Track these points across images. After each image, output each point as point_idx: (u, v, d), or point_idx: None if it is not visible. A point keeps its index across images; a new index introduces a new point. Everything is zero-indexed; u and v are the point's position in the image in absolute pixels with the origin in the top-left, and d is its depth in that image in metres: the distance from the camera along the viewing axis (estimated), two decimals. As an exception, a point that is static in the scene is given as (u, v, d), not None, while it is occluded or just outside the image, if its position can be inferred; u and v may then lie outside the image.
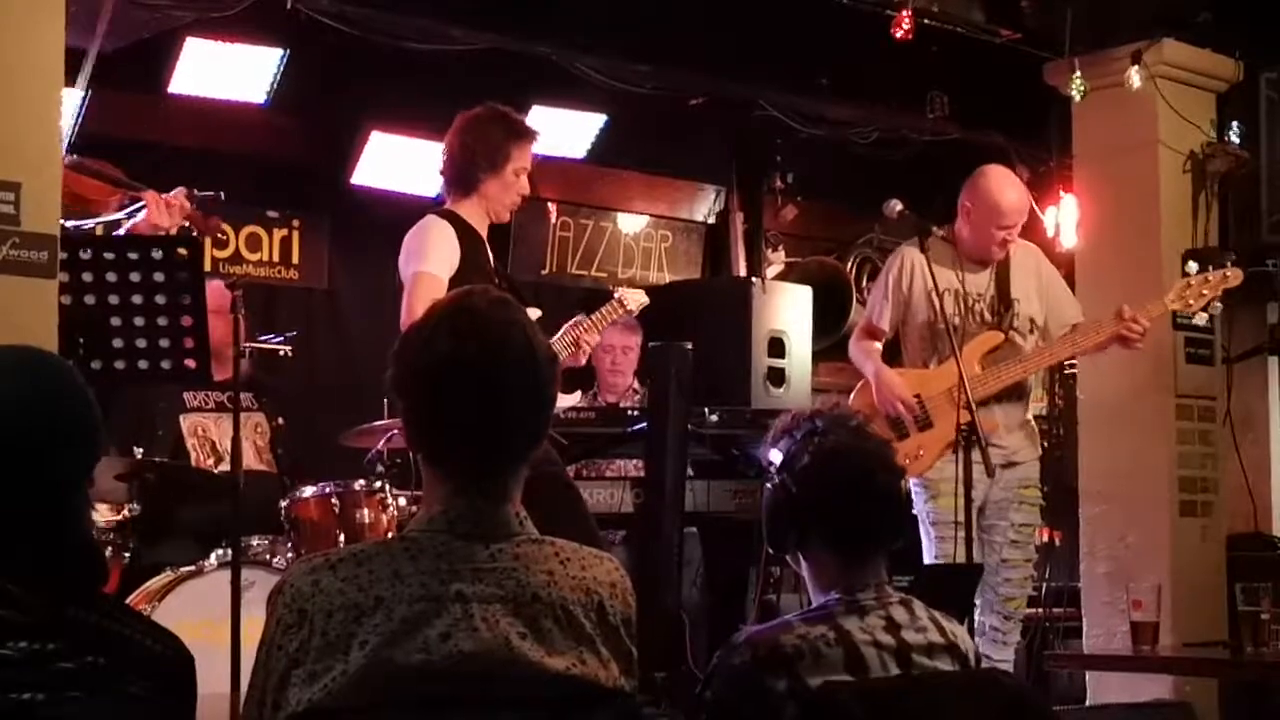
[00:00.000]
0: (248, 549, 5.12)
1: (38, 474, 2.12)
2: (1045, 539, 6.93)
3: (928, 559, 5.39)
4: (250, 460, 5.75)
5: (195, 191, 4.85)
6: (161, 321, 4.22)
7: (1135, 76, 6.50)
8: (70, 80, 5.39)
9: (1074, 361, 6.77)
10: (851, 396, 5.79)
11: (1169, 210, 6.67)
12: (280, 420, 6.09)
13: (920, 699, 2.51)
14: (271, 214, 7.39)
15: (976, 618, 5.36)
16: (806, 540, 2.67)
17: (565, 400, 5.61)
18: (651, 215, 8.73)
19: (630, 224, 8.64)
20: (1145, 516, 6.50)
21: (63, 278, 4.18)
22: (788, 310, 7.60)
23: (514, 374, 2.26)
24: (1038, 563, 5.83)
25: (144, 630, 2.18)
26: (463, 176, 4.89)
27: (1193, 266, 5.69)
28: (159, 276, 4.20)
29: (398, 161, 7.30)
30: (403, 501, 5.31)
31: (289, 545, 5.29)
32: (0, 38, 4.17)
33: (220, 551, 5.04)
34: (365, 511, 5.30)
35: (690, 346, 5.45)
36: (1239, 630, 4.82)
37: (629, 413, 5.98)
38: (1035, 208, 5.93)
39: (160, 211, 4.68)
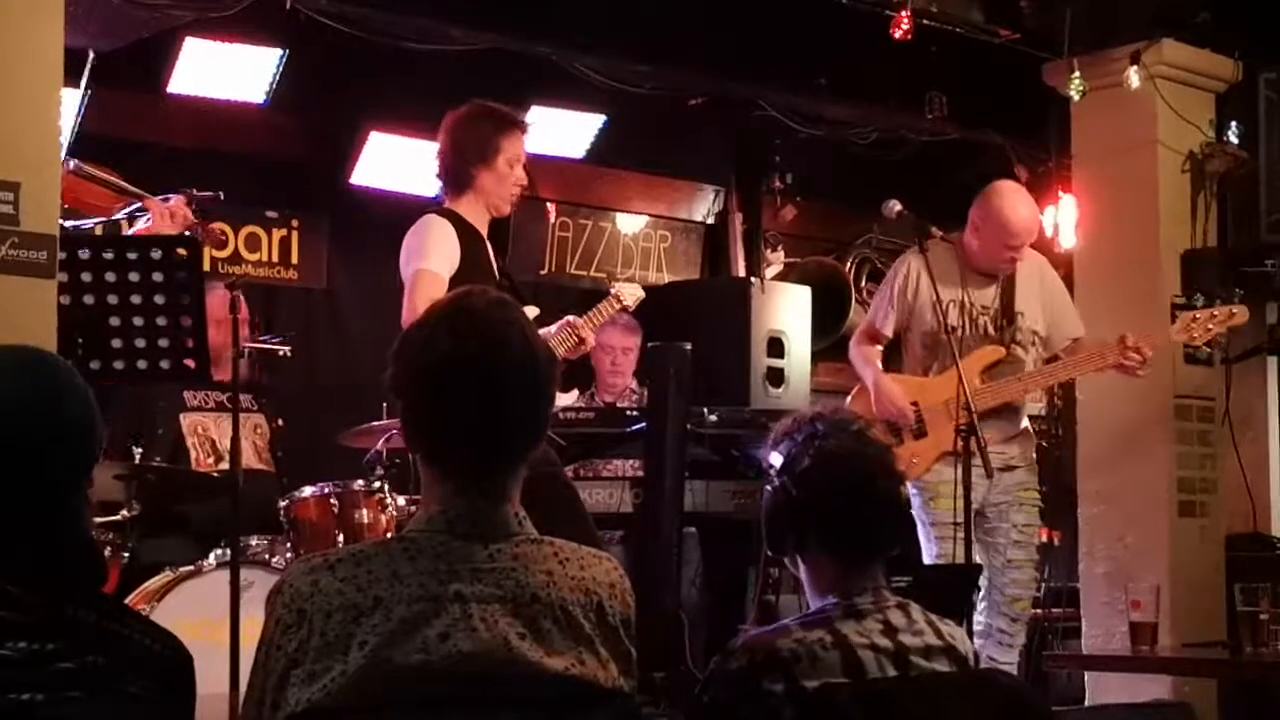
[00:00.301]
0: (247, 549, 5.12)
1: (37, 474, 2.13)
2: (1044, 539, 6.93)
3: (927, 560, 5.39)
4: (250, 460, 5.76)
5: (195, 192, 4.86)
6: (160, 321, 4.22)
7: (1134, 76, 6.50)
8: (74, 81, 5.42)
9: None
10: (848, 400, 5.79)
11: (1168, 210, 6.67)
12: (280, 421, 6.10)
13: (918, 699, 2.52)
14: (270, 214, 7.38)
15: (983, 620, 5.37)
16: (805, 543, 2.67)
17: (562, 399, 5.61)
18: (650, 215, 8.72)
19: (629, 224, 8.64)
20: (1144, 517, 6.50)
21: (62, 278, 4.18)
22: (787, 310, 7.61)
23: (513, 374, 2.26)
24: (1038, 563, 5.83)
25: (143, 630, 2.18)
26: (456, 174, 4.89)
27: (1199, 300, 5.71)
28: (158, 276, 4.20)
29: (397, 161, 7.30)
30: (401, 501, 5.31)
31: (288, 545, 5.29)
32: (0, 38, 4.17)
33: (219, 551, 5.05)
34: (364, 512, 5.30)
35: (689, 347, 5.45)
36: (1238, 630, 4.83)
37: (628, 413, 5.98)
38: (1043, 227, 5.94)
39: (164, 221, 4.74)
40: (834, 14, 6.39)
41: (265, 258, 7.44)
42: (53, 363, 2.26)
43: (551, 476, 4.71)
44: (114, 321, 4.20)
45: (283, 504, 5.35)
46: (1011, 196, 5.58)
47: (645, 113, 7.58)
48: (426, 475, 2.31)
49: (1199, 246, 6.68)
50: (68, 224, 4.69)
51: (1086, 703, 6.40)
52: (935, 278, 5.39)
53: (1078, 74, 6.55)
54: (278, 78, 6.73)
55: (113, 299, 4.19)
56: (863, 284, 8.77)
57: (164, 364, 4.24)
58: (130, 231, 4.91)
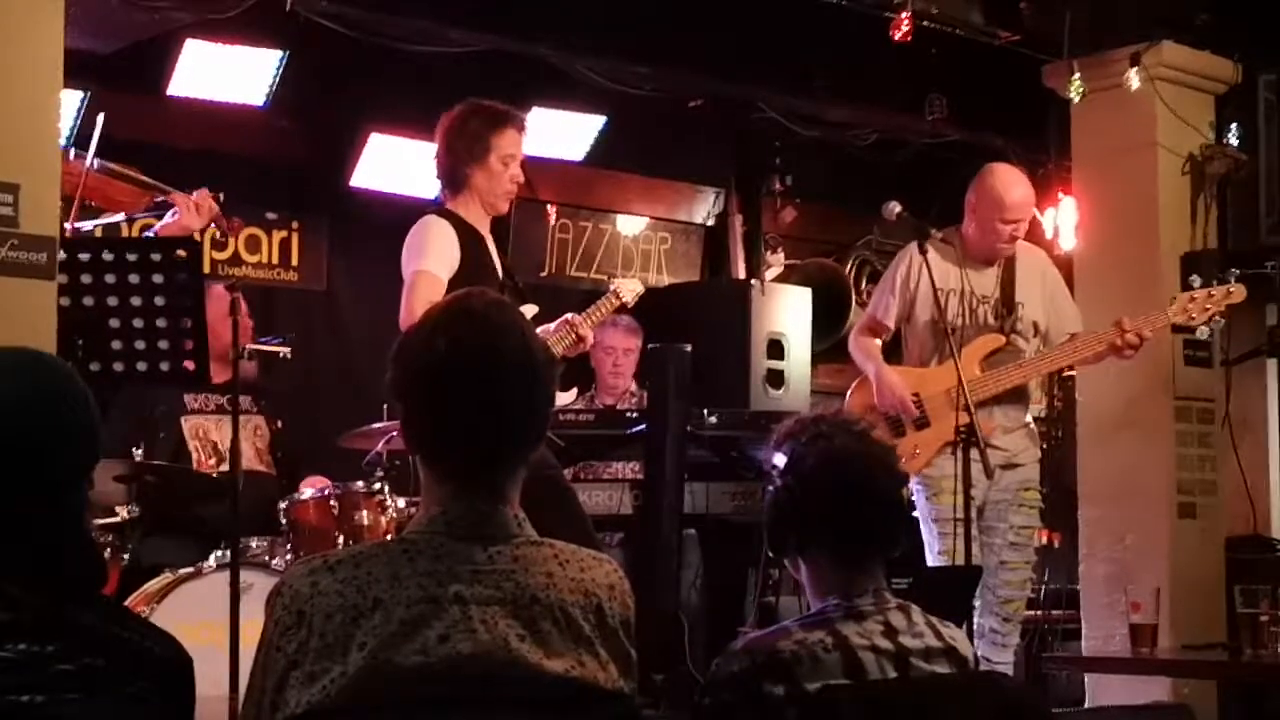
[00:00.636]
0: (246, 551, 5.12)
1: (37, 475, 2.13)
2: (1044, 541, 6.93)
3: (930, 556, 5.39)
4: (250, 462, 5.76)
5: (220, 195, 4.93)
6: (160, 323, 4.21)
7: (1134, 78, 6.50)
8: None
9: (1073, 364, 6.78)
10: (848, 394, 5.79)
11: (1167, 212, 6.68)
12: (280, 423, 6.10)
13: (918, 702, 2.52)
14: (270, 216, 7.39)
15: (977, 620, 5.36)
16: (807, 544, 2.67)
17: (561, 398, 5.61)
18: (651, 217, 8.73)
19: (629, 226, 8.64)
20: (1144, 519, 6.50)
21: (61, 279, 4.18)
22: (787, 312, 7.61)
23: (512, 375, 2.26)
24: (1037, 565, 5.83)
25: (143, 632, 2.18)
26: (451, 174, 4.89)
27: (1196, 280, 5.69)
28: (158, 278, 4.20)
29: (397, 163, 7.31)
30: (401, 503, 5.31)
31: (288, 547, 5.29)
32: (0, 39, 4.17)
33: (219, 553, 5.04)
34: (364, 513, 5.29)
35: (689, 348, 5.45)
36: (1238, 632, 4.83)
37: (628, 415, 5.98)
38: (1035, 211, 5.92)
39: (190, 213, 4.84)
40: (834, 16, 6.39)
41: (265, 259, 7.44)
42: (53, 364, 2.26)
43: (550, 478, 4.71)
44: (114, 323, 4.19)
45: (283, 505, 5.35)
46: (1005, 175, 5.59)
47: (645, 114, 7.59)
48: (426, 477, 2.31)
49: (1199, 248, 6.68)
50: (93, 223, 4.73)
51: (1086, 704, 6.40)
52: (935, 270, 5.40)
53: (1077, 76, 6.56)
54: (278, 80, 6.74)
55: (112, 300, 4.19)
56: (863, 286, 8.77)
57: (164, 365, 4.23)
58: (157, 226, 4.94)
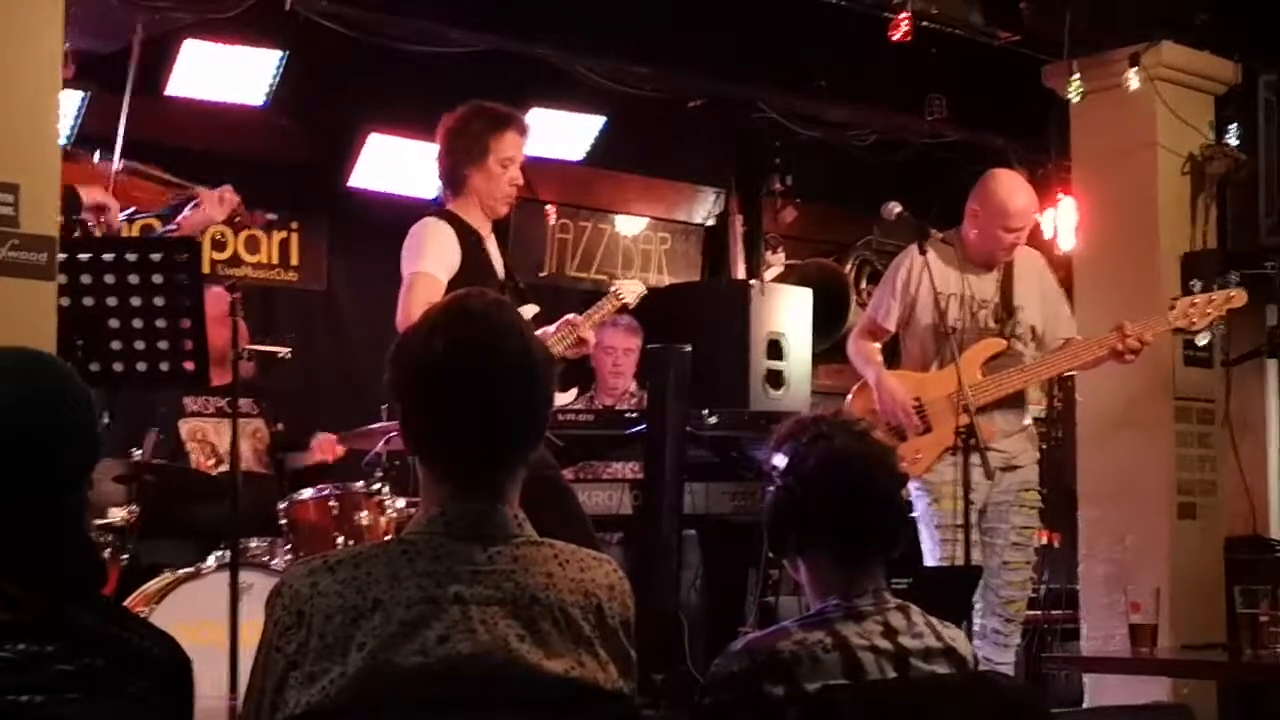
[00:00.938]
0: (246, 551, 5.11)
1: (37, 475, 2.13)
2: (1044, 541, 6.93)
3: (930, 561, 5.39)
4: (248, 464, 5.76)
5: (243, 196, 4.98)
6: (160, 323, 4.20)
7: (1134, 78, 6.50)
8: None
9: (1073, 365, 6.77)
10: (849, 398, 5.79)
11: (1167, 212, 6.68)
12: (280, 425, 6.09)
13: (918, 702, 2.52)
14: (270, 216, 7.37)
15: (978, 620, 5.36)
16: (808, 544, 2.67)
17: (560, 398, 5.61)
18: (650, 217, 8.73)
19: (629, 226, 8.65)
20: (1144, 519, 6.50)
21: (61, 279, 4.18)
22: (786, 312, 7.61)
23: (511, 376, 2.26)
24: (1037, 565, 5.83)
25: (142, 632, 2.18)
26: (451, 176, 4.89)
27: (1196, 285, 5.69)
28: (158, 278, 4.19)
29: (396, 163, 7.31)
30: (401, 503, 5.31)
31: (287, 547, 5.29)
32: (0, 39, 4.17)
33: (219, 553, 5.04)
34: (364, 514, 5.29)
35: (689, 348, 5.45)
36: (1237, 632, 4.83)
37: (627, 415, 5.98)
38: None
39: (215, 205, 4.93)
40: (833, 16, 6.39)
41: (265, 259, 7.45)
42: (52, 364, 2.26)
43: (550, 478, 4.71)
44: (113, 323, 4.19)
45: (282, 506, 5.34)
46: (1008, 182, 5.58)
47: (645, 114, 7.59)
48: (425, 477, 2.31)
49: (1199, 248, 6.68)
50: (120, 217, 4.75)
51: (1085, 704, 6.40)
52: (935, 274, 5.40)
53: (1077, 76, 6.56)
54: (277, 80, 6.74)
55: (112, 301, 4.18)
56: (862, 286, 8.78)
57: (163, 366, 4.23)
58: (179, 217, 4.98)
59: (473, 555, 2.23)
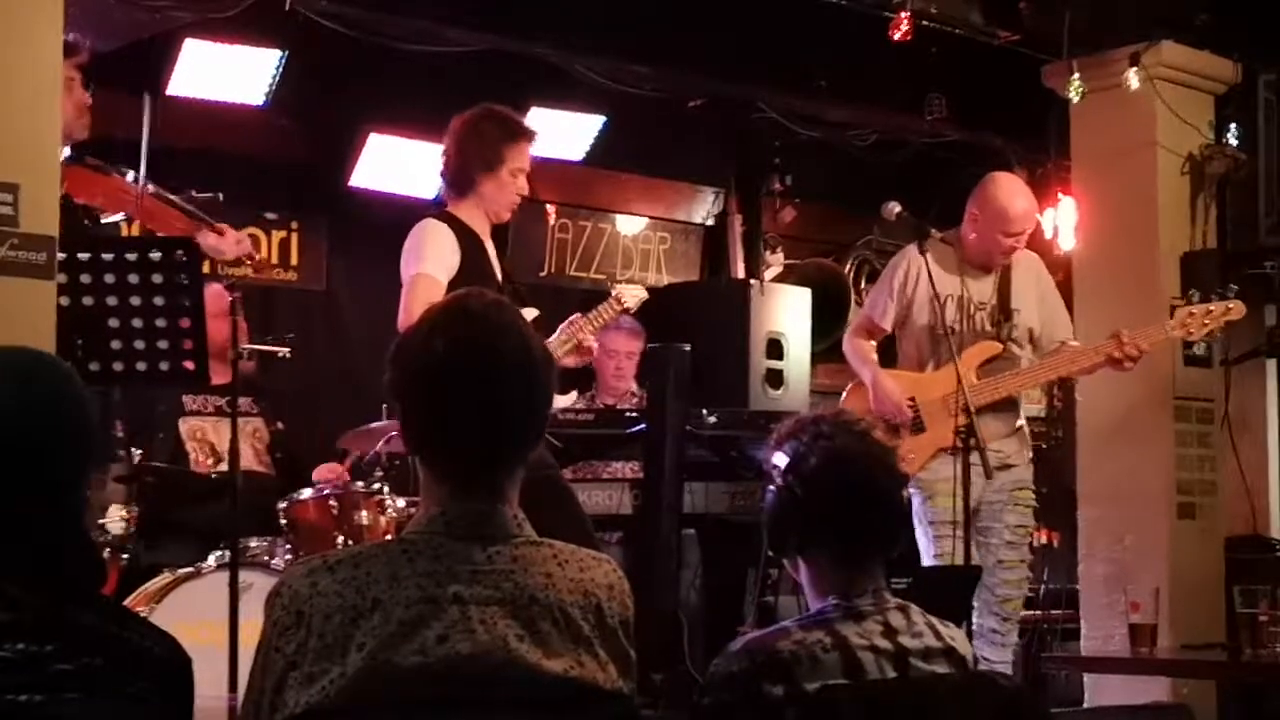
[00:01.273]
0: (246, 550, 5.12)
1: (37, 474, 2.13)
2: (1044, 541, 6.93)
3: (926, 559, 5.39)
4: (248, 463, 5.76)
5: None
6: (160, 323, 4.21)
7: (1133, 78, 6.50)
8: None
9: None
10: (843, 398, 5.78)
11: (1167, 212, 6.68)
12: (279, 424, 6.10)
13: (918, 701, 2.52)
14: (270, 215, 7.39)
15: (975, 619, 5.36)
16: (808, 544, 2.67)
17: (561, 400, 5.61)
18: (650, 217, 8.73)
19: (629, 226, 8.65)
20: (1143, 519, 6.50)
21: (61, 279, 4.18)
22: (786, 312, 7.61)
23: (510, 376, 2.26)
24: (1036, 565, 5.83)
25: (142, 632, 2.18)
26: (459, 178, 4.89)
27: (1195, 295, 5.69)
28: (157, 278, 4.19)
29: (396, 163, 7.31)
30: (401, 503, 5.31)
31: (287, 547, 5.29)
32: (0, 40, 4.17)
33: (218, 553, 5.04)
34: (364, 513, 5.30)
35: (688, 348, 5.45)
36: (1237, 632, 4.83)
37: (627, 414, 5.98)
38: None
39: (228, 243, 5.05)
40: (834, 16, 6.39)
41: (265, 259, 7.43)
42: (52, 364, 2.26)
43: (549, 478, 4.71)
44: (113, 323, 4.19)
45: (282, 505, 5.35)
46: (1009, 186, 5.58)
47: (645, 114, 7.59)
48: (425, 477, 2.31)
49: (1198, 248, 6.68)
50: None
51: (1085, 704, 6.40)
52: (934, 274, 5.39)
53: (1077, 76, 6.56)
54: (277, 79, 6.74)
55: (112, 300, 4.18)
56: (862, 286, 8.78)
57: (163, 365, 4.23)
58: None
59: (472, 555, 2.23)
